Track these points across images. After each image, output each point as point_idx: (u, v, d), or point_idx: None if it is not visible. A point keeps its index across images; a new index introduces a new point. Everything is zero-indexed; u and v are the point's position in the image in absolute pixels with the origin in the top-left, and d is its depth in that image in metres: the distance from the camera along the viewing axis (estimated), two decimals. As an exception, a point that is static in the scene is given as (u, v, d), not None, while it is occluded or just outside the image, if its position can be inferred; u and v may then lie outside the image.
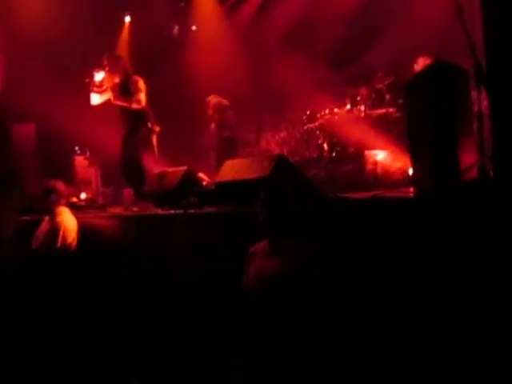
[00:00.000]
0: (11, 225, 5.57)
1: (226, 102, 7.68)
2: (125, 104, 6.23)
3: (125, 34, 10.10)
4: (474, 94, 3.41)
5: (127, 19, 10.14)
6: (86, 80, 6.45)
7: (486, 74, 3.02)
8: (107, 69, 6.34)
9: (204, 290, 4.05)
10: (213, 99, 7.62)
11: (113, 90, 6.38)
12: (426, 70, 3.03)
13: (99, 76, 6.36)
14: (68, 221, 4.90)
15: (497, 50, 2.89)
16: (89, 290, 4.59)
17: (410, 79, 3.15)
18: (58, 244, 4.71)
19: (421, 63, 5.98)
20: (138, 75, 6.40)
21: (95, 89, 6.40)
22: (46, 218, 5.04)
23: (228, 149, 7.56)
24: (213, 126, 7.76)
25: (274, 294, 3.03)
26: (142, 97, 6.20)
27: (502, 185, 2.90)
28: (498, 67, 2.92)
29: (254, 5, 10.13)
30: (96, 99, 6.46)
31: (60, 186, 5.11)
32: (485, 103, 3.24)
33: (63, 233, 4.77)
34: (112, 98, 6.35)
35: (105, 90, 6.43)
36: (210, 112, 7.63)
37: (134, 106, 6.16)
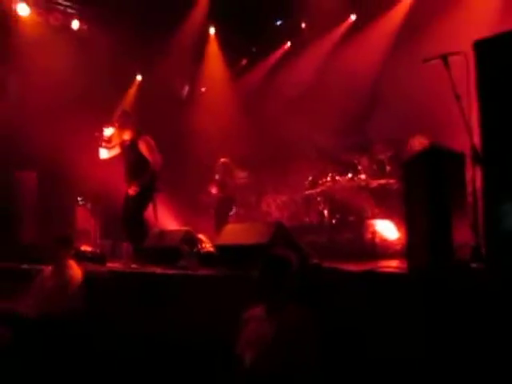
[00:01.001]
0: None
1: (231, 163, 8.18)
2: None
3: (134, 90, 10.43)
4: (468, 175, 3.56)
5: (139, 77, 10.48)
6: (96, 134, 6.61)
7: (481, 155, 3.15)
8: (118, 125, 6.49)
9: (196, 351, 4.04)
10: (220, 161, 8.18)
11: (121, 146, 6.52)
12: (423, 153, 3.16)
13: (109, 131, 6.51)
14: (78, 274, 4.93)
15: (492, 133, 3.01)
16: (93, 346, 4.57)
17: (407, 160, 3.28)
18: (70, 299, 4.73)
19: (417, 140, 6.21)
20: (148, 134, 6.53)
21: (104, 144, 6.53)
22: (50, 268, 5.04)
23: (224, 208, 7.91)
24: (214, 186, 8.11)
25: (268, 359, 3.06)
26: (158, 157, 6.35)
27: (493, 264, 2.97)
28: (492, 149, 3.03)
29: (261, 72, 10.51)
30: (104, 154, 6.59)
31: (72, 237, 5.19)
32: (478, 183, 3.36)
33: (74, 287, 4.79)
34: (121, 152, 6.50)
35: (114, 146, 6.57)
36: (217, 175, 8.03)
37: (153, 167, 6.28)
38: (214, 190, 8.33)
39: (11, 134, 8.81)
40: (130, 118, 6.61)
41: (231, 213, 8.30)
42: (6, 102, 9.00)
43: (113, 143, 6.58)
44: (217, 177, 8.28)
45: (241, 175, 8.47)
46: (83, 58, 8.95)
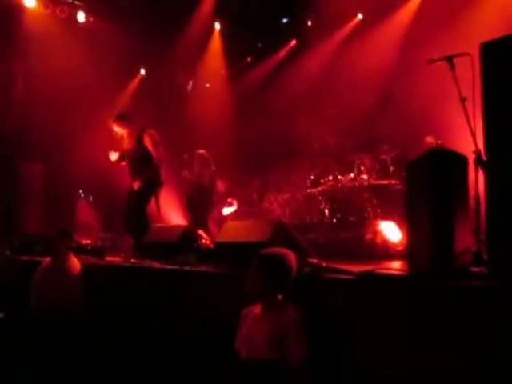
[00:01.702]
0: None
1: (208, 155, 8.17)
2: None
3: (136, 84, 10.42)
4: (472, 178, 3.54)
5: (142, 72, 10.48)
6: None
7: (485, 159, 3.12)
8: (124, 129, 6.53)
9: (195, 346, 4.03)
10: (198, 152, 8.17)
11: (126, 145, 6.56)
12: (426, 155, 3.13)
13: (114, 156, 6.59)
14: (76, 267, 4.92)
15: (495, 137, 2.98)
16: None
17: (411, 161, 3.25)
18: (68, 291, 4.72)
19: (428, 142, 6.15)
20: (152, 128, 6.55)
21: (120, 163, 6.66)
22: (48, 260, 5.03)
23: (197, 196, 7.94)
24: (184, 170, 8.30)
25: (262, 356, 3.08)
26: (161, 151, 6.37)
27: (494, 269, 2.94)
28: (496, 153, 3.00)
29: (266, 68, 10.49)
30: (114, 157, 6.65)
31: (70, 230, 5.20)
32: (481, 187, 3.33)
33: (73, 280, 4.78)
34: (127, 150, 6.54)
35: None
36: (196, 165, 8.13)
37: (156, 161, 6.32)
38: (184, 174, 8.30)
39: (18, 125, 8.84)
40: (128, 119, 6.61)
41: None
42: (13, 94, 9.02)
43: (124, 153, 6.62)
44: (195, 167, 8.22)
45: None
46: (89, 50, 8.96)
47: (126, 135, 6.55)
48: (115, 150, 6.59)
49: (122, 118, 6.59)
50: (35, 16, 8.81)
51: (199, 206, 7.92)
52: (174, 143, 8.31)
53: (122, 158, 6.61)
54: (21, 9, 8.67)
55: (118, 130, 6.54)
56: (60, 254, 4.96)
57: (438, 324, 2.85)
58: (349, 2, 8.68)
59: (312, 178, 8.34)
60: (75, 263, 4.97)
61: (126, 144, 6.57)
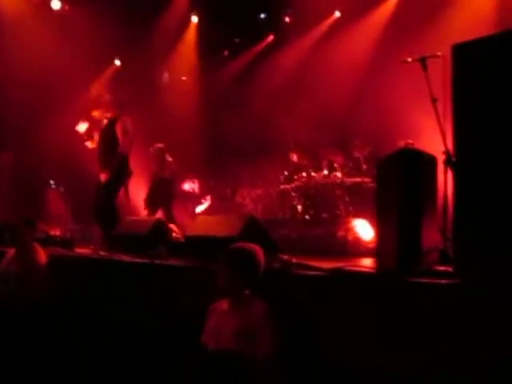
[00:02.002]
0: None
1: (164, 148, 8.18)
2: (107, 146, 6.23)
3: (110, 74, 10.29)
4: (440, 178, 3.59)
5: (117, 62, 10.35)
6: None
7: (454, 159, 3.16)
8: (104, 107, 6.35)
9: (162, 339, 4.03)
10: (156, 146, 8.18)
11: (100, 128, 6.41)
12: (396, 155, 3.16)
13: (83, 127, 6.45)
14: (41, 258, 4.85)
15: (465, 137, 3.02)
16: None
17: (381, 160, 3.28)
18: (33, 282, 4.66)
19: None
20: (129, 117, 6.36)
21: (85, 138, 6.49)
22: (13, 251, 4.95)
23: (164, 192, 7.88)
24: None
25: (229, 350, 3.08)
26: (129, 141, 6.20)
27: (460, 267, 2.99)
28: (465, 154, 3.05)
29: (243, 63, 10.47)
30: (83, 128, 6.51)
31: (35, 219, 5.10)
32: (450, 187, 3.38)
33: (38, 271, 4.71)
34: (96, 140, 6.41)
35: (93, 138, 6.47)
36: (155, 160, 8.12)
37: (120, 149, 6.12)
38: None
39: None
40: (115, 99, 6.43)
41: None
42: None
43: (93, 134, 6.47)
44: (154, 162, 8.15)
45: (191, 187, 8.49)
46: (62, 38, 8.80)
47: (107, 114, 6.37)
48: (88, 141, 6.47)
49: (113, 98, 6.43)
50: (8, 1, 8.64)
51: (161, 199, 7.88)
52: (148, 135, 8.24)
53: (90, 136, 6.46)
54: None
55: (103, 112, 6.37)
56: (24, 244, 4.87)
57: (404, 321, 2.89)
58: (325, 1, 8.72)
59: (286, 174, 8.35)
60: (40, 253, 4.89)
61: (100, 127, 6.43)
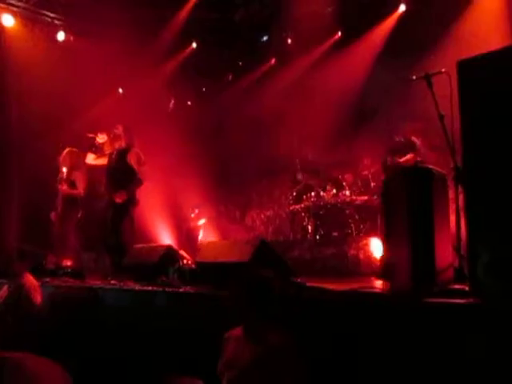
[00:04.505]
0: None
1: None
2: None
3: (114, 102, 10.30)
4: (451, 194, 3.55)
5: (120, 91, 10.40)
6: (88, 135, 6.52)
7: (463, 174, 3.13)
8: (114, 135, 6.41)
9: (175, 368, 3.97)
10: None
11: (109, 157, 6.44)
12: (404, 172, 3.12)
13: (102, 139, 6.46)
14: (32, 282, 4.80)
15: (473, 153, 2.99)
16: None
17: (387, 178, 3.24)
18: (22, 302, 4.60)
19: (409, 127, 6.20)
20: (137, 148, 6.45)
21: (94, 149, 6.50)
22: (6, 286, 4.90)
23: (70, 210, 7.18)
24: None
25: (246, 382, 2.99)
26: (145, 170, 6.31)
27: (476, 286, 2.93)
28: (474, 168, 3.01)
29: (247, 85, 10.50)
30: (90, 159, 6.55)
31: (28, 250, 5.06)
32: (461, 202, 3.33)
33: (27, 292, 4.65)
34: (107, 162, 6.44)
35: (103, 155, 6.51)
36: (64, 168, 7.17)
37: (141, 178, 6.25)
38: (63, 187, 6.98)
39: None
40: (129, 131, 6.51)
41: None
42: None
43: (104, 151, 6.50)
44: (64, 170, 6.99)
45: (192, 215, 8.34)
46: (67, 68, 8.86)
47: (108, 145, 6.43)
48: (95, 153, 6.49)
49: (128, 130, 6.48)
50: (13, 35, 8.73)
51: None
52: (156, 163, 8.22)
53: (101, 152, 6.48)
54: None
55: (112, 137, 6.42)
56: (17, 276, 4.82)
57: (421, 342, 2.82)
58: (327, 20, 8.75)
59: (294, 194, 8.33)
60: (32, 284, 4.82)
61: (106, 153, 6.47)
